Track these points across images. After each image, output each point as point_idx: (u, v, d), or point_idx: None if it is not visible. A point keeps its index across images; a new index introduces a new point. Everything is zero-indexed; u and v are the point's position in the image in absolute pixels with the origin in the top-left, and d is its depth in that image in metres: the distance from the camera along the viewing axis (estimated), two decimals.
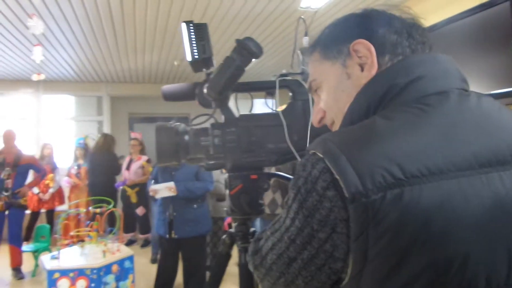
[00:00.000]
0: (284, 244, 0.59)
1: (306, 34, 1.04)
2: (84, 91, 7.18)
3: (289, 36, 4.53)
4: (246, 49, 0.94)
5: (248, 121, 1.01)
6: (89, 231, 3.52)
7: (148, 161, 5.85)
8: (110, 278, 3.22)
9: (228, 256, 1.07)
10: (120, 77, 6.83)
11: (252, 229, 1.04)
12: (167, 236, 3.65)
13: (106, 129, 7.32)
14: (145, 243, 5.75)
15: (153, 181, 3.84)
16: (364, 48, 0.65)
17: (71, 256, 3.25)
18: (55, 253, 3.25)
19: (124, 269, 3.37)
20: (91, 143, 6.30)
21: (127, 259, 3.41)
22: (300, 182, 0.56)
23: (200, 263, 3.85)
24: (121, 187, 5.71)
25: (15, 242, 4.44)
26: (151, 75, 6.67)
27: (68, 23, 3.97)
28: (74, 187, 5.95)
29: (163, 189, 3.64)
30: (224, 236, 1.07)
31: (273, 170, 1.25)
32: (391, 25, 0.67)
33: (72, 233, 3.41)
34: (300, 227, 0.56)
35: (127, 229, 5.53)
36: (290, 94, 1.04)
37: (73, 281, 3.05)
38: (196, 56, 0.99)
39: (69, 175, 5.96)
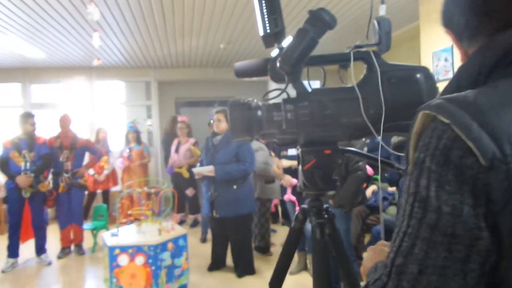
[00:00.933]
0: (441, 244, 0.49)
1: (383, 2, 0.99)
2: (133, 77, 7.40)
3: (347, 7, 4.40)
4: (321, 20, 0.92)
5: (322, 95, 0.99)
6: (145, 210, 3.67)
7: (195, 143, 5.97)
8: (166, 255, 3.35)
9: (300, 231, 1.07)
10: (168, 62, 6.96)
11: (325, 205, 1.04)
12: (210, 214, 3.77)
13: (155, 114, 7.54)
14: (194, 223, 5.92)
15: (198, 163, 3.94)
16: None
17: (129, 234, 3.40)
18: (114, 230, 3.42)
19: (178, 247, 3.48)
20: (141, 127, 6.54)
21: (181, 237, 3.53)
22: (427, 160, 0.52)
23: (244, 242, 3.93)
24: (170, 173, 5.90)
25: (78, 221, 4.73)
26: (196, 59, 6.75)
27: (120, 10, 4.07)
28: (126, 169, 6.19)
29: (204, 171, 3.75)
30: (297, 212, 1.07)
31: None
32: None
33: (129, 212, 3.56)
34: (452, 210, 0.49)
35: (178, 210, 5.72)
36: (366, 66, 1.01)
37: (132, 257, 3.19)
38: (268, 31, 0.98)
39: (121, 157, 6.21)
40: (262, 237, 4.69)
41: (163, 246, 3.31)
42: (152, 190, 3.68)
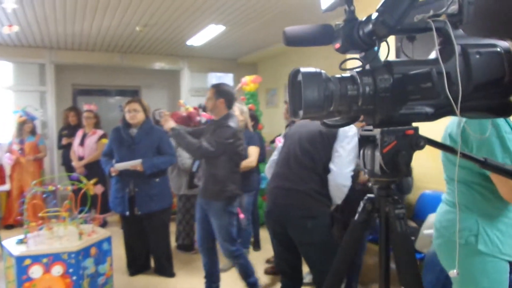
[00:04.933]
0: None
1: None
2: (24, 57, 6.36)
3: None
4: None
5: (404, 67, 0.86)
6: (58, 211, 3.13)
7: (104, 136, 5.39)
8: (89, 262, 2.92)
9: (366, 224, 0.93)
10: (68, 43, 6.13)
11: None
12: (127, 213, 3.45)
13: (50, 101, 6.61)
14: (104, 224, 5.34)
15: (114, 160, 3.55)
16: None
17: (40, 240, 2.87)
18: (20, 237, 2.86)
19: (102, 252, 3.06)
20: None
21: (105, 240, 3.11)
22: None
23: (166, 237, 3.76)
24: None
25: None
26: (104, 42, 6.07)
27: None
28: (16, 165, 5.32)
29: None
30: (363, 202, 0.93)
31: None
32: None
33: (41, 214, 3.00)
34: None
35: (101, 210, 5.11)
36: (440, 38, 0.91)
37: (47, 268, 2.71)
38: None
39: (10, 151, 5.31)
40: (187, 235, 4.43)
41: (85, 252, 2.87)
42: (69, 188, 3.16)
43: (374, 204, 0.92)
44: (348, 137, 2.15)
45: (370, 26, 0.79)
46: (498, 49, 0.88)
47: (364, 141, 0.92)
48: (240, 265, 2.96)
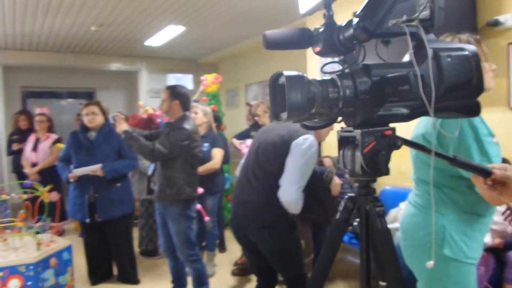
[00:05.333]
0: None
1: None
2: None
3: (236, 1, 4.32)
4: None
5: (381, 70, 0.89)
6: (12, 221, 2.97)
7: (58, 140, 5.15)
8: (48, 274, 2.78)
9: (347, 223, 0.95)
10: (17, 43, 5.80)
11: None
12: (87, 220, 3.33)
13: None
14: (61, 232, 5.10)
15: (72, 165, 3.41)
16: None
17: None
18: None
19: (62, 262, 2.93)
20: None
21: (65, 250, 2.98)
22: None
23: (129, 243, 3.66)
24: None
25: None
26: (56, 42, 5.80)
27: None
28: None
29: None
30: (344, 201, 0.95)
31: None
32: None
33: None
34: None
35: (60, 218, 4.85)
36: (414, 42, 0.94)
37: (3, 282, 2.55)
38: None
39: None
40: (150, 240, 4.33)
41: (44, 263, 2.74)
42: (24, 196, 3.00)
43: (355, 202, 0.94)
44: (301, 150, 1.99)
45: (351, 31, 0.81)
46: (467, 53, 0.93)
47: (344, 142, 0.94)
48: (196, 270, 2.91)
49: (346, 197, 0.96)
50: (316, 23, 0.93)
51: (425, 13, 0.95)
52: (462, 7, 2.80)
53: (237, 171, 2.49)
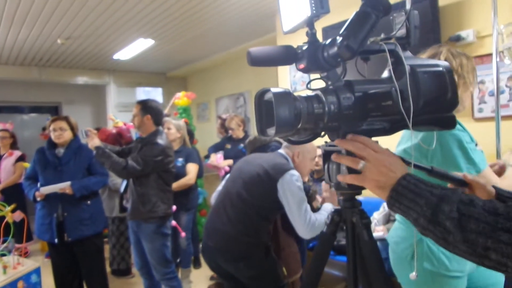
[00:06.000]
0: None
1: None
2: None
3: (207, 15, 4.34)
4: (383, 5, 0.85)
5: (363, 86, 0.92)
6: None
7: (22, 157, 4.96)
8: None
9: (334, 237, 0.96)
10: None
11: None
12: (56, 240, 3.19)
13: None
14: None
15: (39, 183, 3.28)
16: None
17: None
18: None
19: (31, 285, 2.80)
20: None
21: (34, 272, 2.85)
22: None
23: (100, 263, 3.49)
24: None
25: None
26: (19, 55, 5.60)
27: None
28: None
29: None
30: (330, 214, 0.96)
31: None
32: None
33: None
34: None
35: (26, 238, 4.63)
36: (392, 59, 0.98)
37: None
38: (314, 11, 0.85)
39: None
40: (122, 259, 4.20)
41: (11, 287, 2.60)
42: None
43: (341, 215, 0.96)
44: (295, 187, 2.04)
45: (335, 49, 0.83)
46: (441, 68, 0.97)
47: (329, 156, 0.96)
48: None
49: (332, 210, 0.97)
50: (284, 39, 0.95)
51: (402, 32, 0.99)
52: (427, 23, 2.94)
53: (213, 198, 2.46)
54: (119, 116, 6.58)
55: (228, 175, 2.42)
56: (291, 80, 4.33)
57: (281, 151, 2.30)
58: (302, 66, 0.91)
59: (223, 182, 2.43)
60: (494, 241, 0.65)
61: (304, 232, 2.02)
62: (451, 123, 0.98)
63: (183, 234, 3.47)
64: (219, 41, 5.35)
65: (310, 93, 0.92)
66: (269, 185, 2.07)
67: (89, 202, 3.31)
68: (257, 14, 4.34)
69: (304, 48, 0.90)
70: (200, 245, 2.45)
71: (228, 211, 2.14)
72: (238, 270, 2.12)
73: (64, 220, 3.21)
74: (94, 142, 2.76)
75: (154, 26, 4.56)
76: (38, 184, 3.27)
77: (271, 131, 0.85)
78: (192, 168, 3.71)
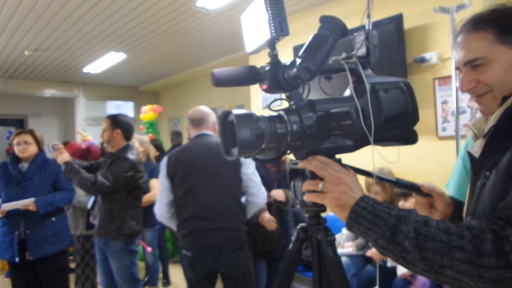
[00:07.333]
0: None
1: (368, 16, 1.02)
2: None
3: (180, 31, 4.36)
4: (340, 28, 0.88)
5: (325, 105, 0.94)
6: None
7: None
8: None
9: (300, 253, 0.97)
10: None
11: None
12: (17, 259, 3.05)
13: None
14: None
15: (0, 200, 3.14)
16: None
17: None
18: None
19: None
20: None
21: None
22: None
23: (64, 282, 3.38)
24: None
25: None
26: None
27: None
28: None
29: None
30: (297, 231, 0.97)
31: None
32: None
33: None
34: None
35: None
36: (353, 78, 1.01)
37: None
38: (274, 34, 0.87)
39: None
40: (87, 278, 4.04)
41: None
42: None
43: (307, 233, 0.96)
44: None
45: (295, 70, 0.85)
46: (401, 85, 1.00)
47: (294, 174, 0.96)
48: None
49: (298, 227, 0.98)
50: (255, 57, 0.96)
51: (362, 51, 1.02)
52: (393, 45, 3.05)
53: (162, 218, 2.37)
54: (89, 130, 6.43)
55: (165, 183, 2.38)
56: (263, 96, 4.37)
57: (205, 132, 2.36)
58: (265, 86, 0.92)
59: (166, 191, 2.35)
60: (449, 258, 0.68)
61: (264, 196, 2.35)
62: (413, 138, 1.01)
63: (149, 249, 3.39)
64: (192, 56, 5.36)
65: (274, 113, 0.93)
66: (237, 166, 2.26)
67: (53, 218, 3.19)
68: (229, 31, 4.38)
69: (267, 69, 0.92)
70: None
71: (216, 209, 2.24)
72: (235, 265, 2.23)
73: (26, 238, 3.08)
74: (63, 157, 2.68)
75: (126, 40, 4.53)
76: (0, 200, 3.13)
77: (235, 151, 0.86)
78: (155, 184, 3.63)
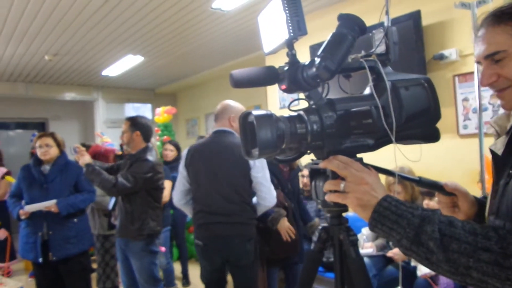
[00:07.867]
0: None
1: (387, 13, 1.01)
2: None
3: (196, 33, 4.39)
4: (358, 25, 0.87)
5: (345, 104, 0.93)
6: None
7: (8, 173, 4.86)
8: None
9: (322, 254, 0.96)
10: None
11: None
12: (40, 260, 3.11)
13: None
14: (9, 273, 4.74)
15: (23, 201, 3.21)
16: None
17: None
18: None
19: None
20: None
21: None
22: None
23: (87, 282, 3.41)
24: None
25: None
26: (6, 71, 5.56)
27: None
28: None
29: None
30: (318, 231, 0.96)
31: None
32: None
33: None
34: None
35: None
36: (373, 76, 0.99)
37: None
38: (292, 34, 0.86)
39: None
40: (107, 277, 4.10)
41: None
42: None
43: (329, 233, 0.96)
44: (262, 161, 2.30)
45: (314, 69, 0.84)
46: (422, 82, 0.99)
47: (315, 174, 0.96)
48: None
49: (320, 227, 0.97)
50: (272, 57, 0.96)
51: (381, 48, 1.00)
52: (411, 42, 3.00)
53: (180, 204, 2.50)
54: (108, 132, 6.55)
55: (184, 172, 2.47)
56: (280, 96, 4.36)
57: (222, 128, 2.42)
58: (284, 86, 0.92)
59: (184, 180, 2.46)
60: (475, 260, 0.66)
61: (274, 198, 2.39)
62: (435, 136, 0.99)
63: (163, 248, 3.42)
64: (208, 58, 5.39)
65: (293, 113, 0.93)
66: (246, 164, 2.32)
67: (75, 219, 3.24)
68: (245, 32, 4.39)
69: (285, 69, 0.91)
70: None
71: (226, 205, 2.33)
72: (243, 256, 2.32)
73: (49, 239, 3.14)
74: (84, 159, 2.73)
75: (143, 43, 4.58)
76: (23, 202, 3.20)
77: (256, 152, 0.85)
78: (166, 185, 3.68)
